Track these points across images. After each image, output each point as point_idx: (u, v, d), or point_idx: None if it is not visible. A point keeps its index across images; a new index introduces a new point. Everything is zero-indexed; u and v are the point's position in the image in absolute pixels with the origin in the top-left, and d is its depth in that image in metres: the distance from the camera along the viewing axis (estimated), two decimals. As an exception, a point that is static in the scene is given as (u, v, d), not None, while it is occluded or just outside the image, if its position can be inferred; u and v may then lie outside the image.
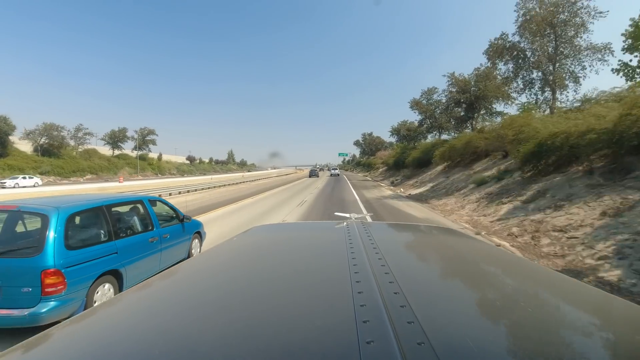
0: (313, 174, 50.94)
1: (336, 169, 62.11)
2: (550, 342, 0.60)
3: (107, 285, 3.79)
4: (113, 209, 4.21)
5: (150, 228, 4.79)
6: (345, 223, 1.61)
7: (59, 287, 3.13)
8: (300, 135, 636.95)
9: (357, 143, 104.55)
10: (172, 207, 5.79)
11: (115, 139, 59.56)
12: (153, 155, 70.15)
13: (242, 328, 0.64)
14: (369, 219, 2.49)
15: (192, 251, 6.06)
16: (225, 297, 0.83)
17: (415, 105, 36.00)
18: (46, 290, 3.07)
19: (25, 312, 3.01)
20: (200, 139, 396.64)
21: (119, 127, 60.05)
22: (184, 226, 5.81)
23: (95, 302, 3.56)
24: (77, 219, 3.66)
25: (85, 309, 3.43)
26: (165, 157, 78.29)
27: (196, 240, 6.33)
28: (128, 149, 62.03)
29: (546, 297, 0.91)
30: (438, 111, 34.13)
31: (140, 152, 62.48)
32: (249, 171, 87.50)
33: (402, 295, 0.69)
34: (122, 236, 4.17)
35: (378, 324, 0.57)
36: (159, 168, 66.12)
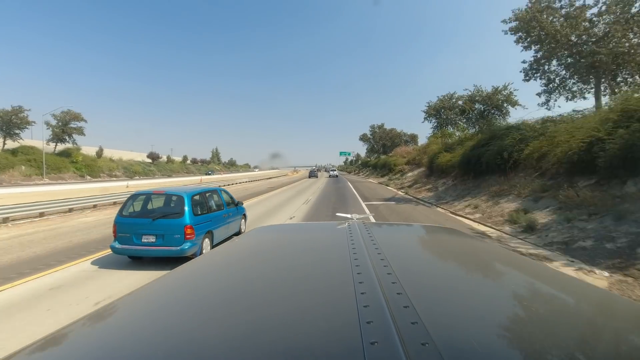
0: (312, 174, 56.11)
1: (334, 170, 63.77)
2: (554, 342, 0.60)
3: (207, 240, 6.29)
4: (206, 194, 6.73)
5: (222, 208, 7.31)
6: (346, 223, 1.61)
7: (192, 235, 5.66)
8: (302, 136, 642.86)
9: (363, 138, 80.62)
10: (230, 195, 8.27)
11: (7, 124, 37.92)
12: (91, 149, 49.18)
13: (245, 330, 0.65)
14: (371, 219, 2.67)
15: (242, 228, 8.56)
16: (228, 299, 0.84)
17: (523, 26, 16.00)
18: (186, 237, 5.61)
19: (178, 248, 5.57)
20: (204, 141, 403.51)
21: (12, 105, 38.06)
22: (238, 209, 8.31)
23: (203, 249, 6.04)
24: (195, 199, 6.17)
25: (199, 254, 5.87)
26: (117, 154, 56.57)
27: (243, 220, 8.84)
28: (40, 139, 40.66)
29: (550, 297, 0.91)
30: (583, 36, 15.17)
31: (68, 146, 43.70)
32: (207, 174, 63.72)
33: (405, 296, 0.68)
34: (212, 211, 6.71)
35: (382, 324, 0.57)
36: (90, 168, 44.81)
